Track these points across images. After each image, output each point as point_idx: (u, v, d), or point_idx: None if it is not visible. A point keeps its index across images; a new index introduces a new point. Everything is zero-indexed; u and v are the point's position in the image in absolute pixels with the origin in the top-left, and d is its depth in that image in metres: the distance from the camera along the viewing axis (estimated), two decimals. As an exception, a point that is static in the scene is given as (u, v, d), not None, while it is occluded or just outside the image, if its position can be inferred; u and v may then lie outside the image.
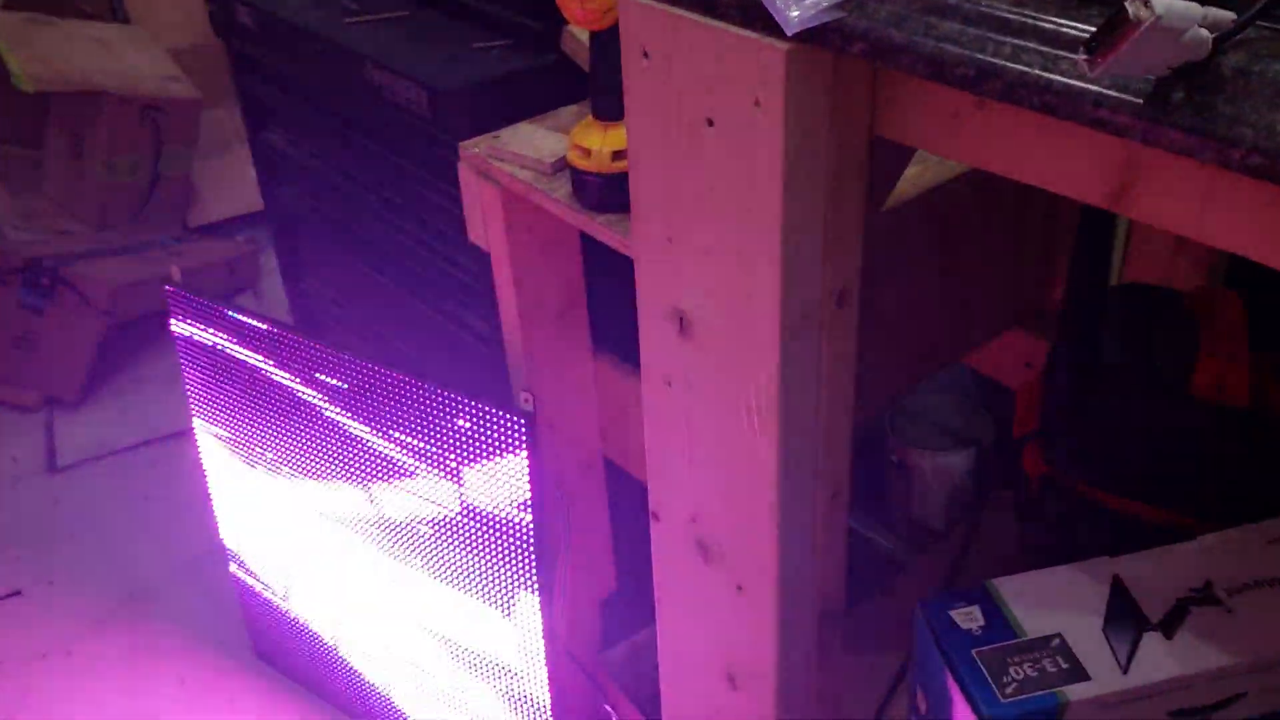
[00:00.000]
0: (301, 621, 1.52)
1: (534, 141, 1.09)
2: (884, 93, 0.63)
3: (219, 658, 1.66)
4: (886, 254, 0.93)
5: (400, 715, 1.48)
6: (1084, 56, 0.45)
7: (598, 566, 1.38)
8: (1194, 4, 0.44)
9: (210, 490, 1.52)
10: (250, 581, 1.56)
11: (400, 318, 1.46)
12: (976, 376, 1.48)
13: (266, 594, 1.55)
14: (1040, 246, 1.17)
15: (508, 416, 1.13)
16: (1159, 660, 0.72)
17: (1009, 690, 0.71)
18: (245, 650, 1.65)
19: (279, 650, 1.60)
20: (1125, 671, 0.72)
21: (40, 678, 1.65)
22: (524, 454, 1.14)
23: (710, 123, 0.65)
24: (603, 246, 1.17)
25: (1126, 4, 0.43)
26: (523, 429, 1.13)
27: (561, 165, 1.06)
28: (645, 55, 0.67)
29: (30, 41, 2.34)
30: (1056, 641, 0.74)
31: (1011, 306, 1.19)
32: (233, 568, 1.57)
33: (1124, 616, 0.75)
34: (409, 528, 1.28)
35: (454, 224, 1.26)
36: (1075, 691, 0.71)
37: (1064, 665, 0.72)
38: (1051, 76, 0.50)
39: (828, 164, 0.64)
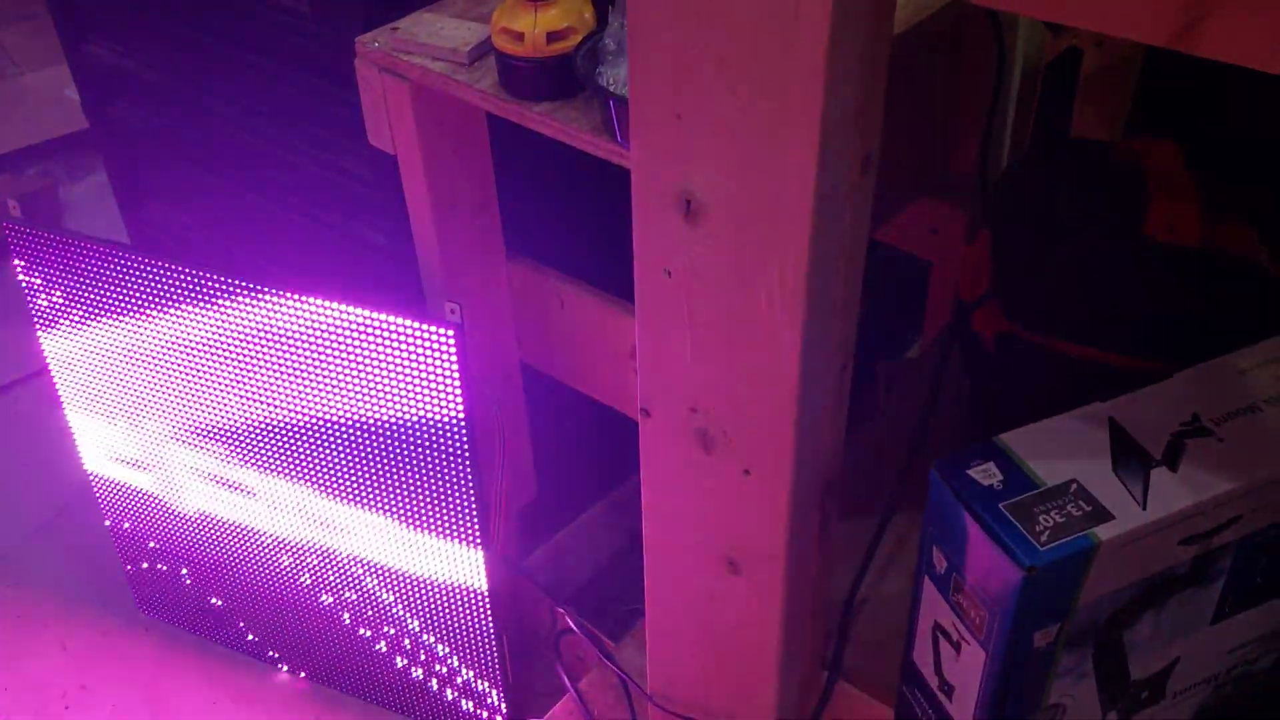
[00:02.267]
0: (201, 564, 1.43)
1: (442, 30, 1.02)
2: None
3: (100, 616, 1.55)
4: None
5: (323, 650, 1.42)
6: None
7: (519, 474, 1.35)
8: None
9: (81, 454, 1.40)
10: (136, 530, 1.45)
11: (278, 237, 1.36)
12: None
13: (151, 543, 1.45)
14: (944, 115, 1.18)
15: (436, 330, 1.08)
16: (1171, 492, 0.75)
17: (1044, 538, 0.73)
18: (128, 604, 1.54)
19: (166, 600, 1.51)
20: (1144, 507, 0.74)
21: (-101, 666, 1.51)
22: (455, 366, 1.09)
23: (739, -17, 0.61)
24: (509, 142, 1.12)
25: None
26: (451, 341, 1.08)
27: (479, 54, 1.00)
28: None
29: None
30: (1075, 487, 0.76)
31: (922, 175, 1.20)
32: (109, 522, 1.46)
33: (1130, 456, 0.77)
34: (334, 456, 1.21)
35: (343, 128, 1.17)
36: (1104, 531, 0.73)
37: (1087, 508, 0.74)
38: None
39: (870, 11, 0.62)
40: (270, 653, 1.47)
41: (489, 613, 1.25)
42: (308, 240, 1.31)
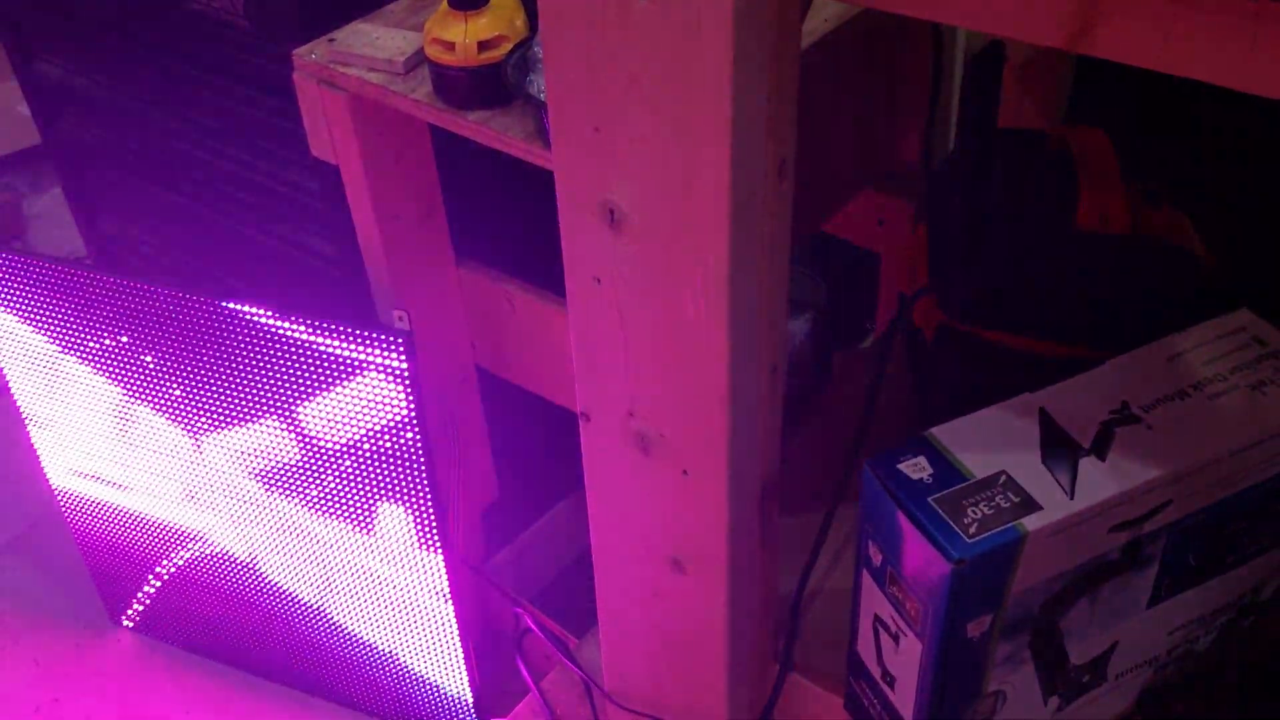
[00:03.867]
0: (168, 576, 1.44)
1: (377, 41, 1.02)
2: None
3: (73, 630, 1.55)
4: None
5: (293, 654, 1.43)
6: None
7: (480, 476, 1.36)
8: None
9: (40, 457, 1.41)
10: (103, 542, 1.46)
11: (228, 250, 1.36)
12: (806, 241, 1.50)
13: (125, 556, 1.46)
14: (888, 107, 1.19)
15: (386, 338, 1.08)
16: (1098, 481, 0.77)
17: (972, 530, 0.74)
18: (100, 618, 1.55)
19: (137, 611, 1.51)
20: (1072, 496, 0.76)
21: (-126, 687, 1.51)
22: (405, 374, 1.10)
23: (644, -1, 0.62)
24: (455, 149, 1.12)
25: None
26: (401, 349, 1.09)
27: (414, 63, 1.00)
28: (559, -68, 0.63)
29: None
30: (1003, 479, 0.77)
31: (866, 167, 1.21)
32: (76, 535, 1.46)
33: (1059, 445, 0.79)
34: (292, 464, 1.22)
35: (286, 140, 1.17)
36: (1031, 522, 0.74)
37: (1015, 500, 0.76)
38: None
39: (771, 24, 0.62)
40: (242, 658, 1.47)
41: (452, 615, 1.26)
42: (261, 252, 1.32)
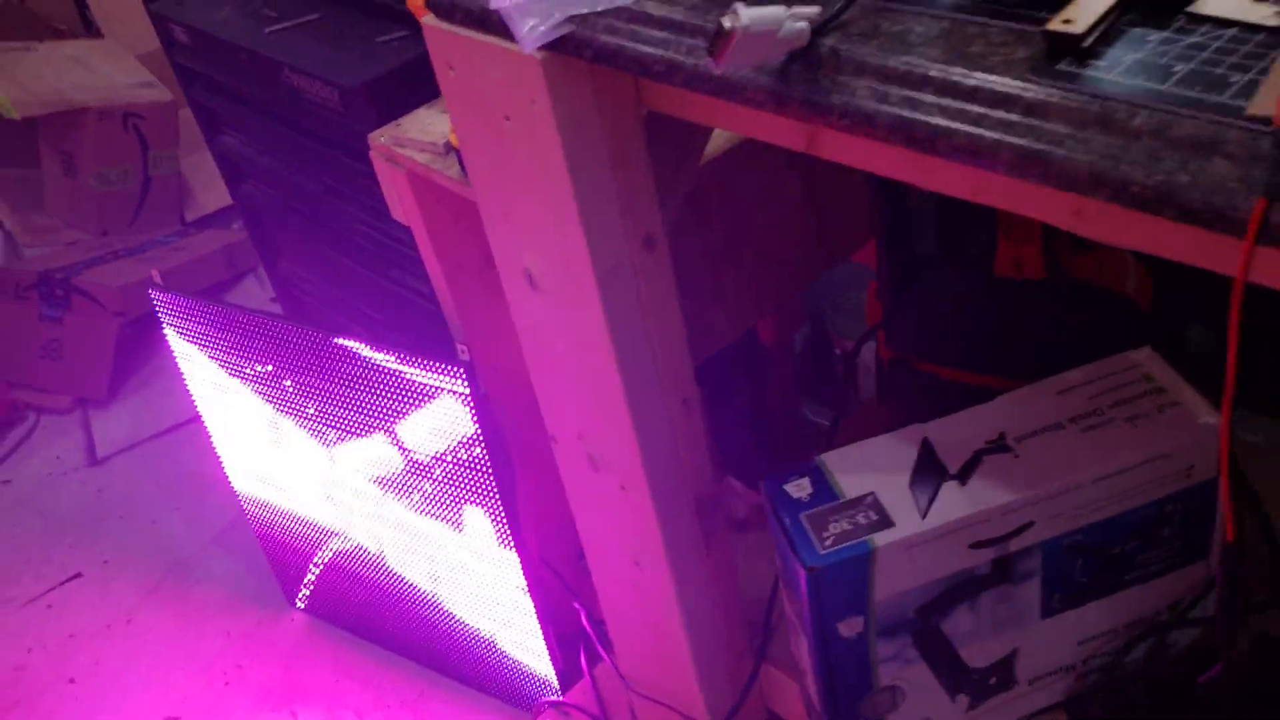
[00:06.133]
0: (323, 565, 1.71)
1: (428, 126, 1.23)
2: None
3: (257, 611, 1.85)
4: (726, 193, 1.07)
5: (414, 635, 1.66)
6: (707, 58, 0.59)
7: (553, 483, 1.54)
8: (778, 9, 0.58)
9: (224, 467, 1.71)
10: (275, 537, 1.75)
11: (361, 288, 1.62)
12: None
13: (291, 549, 1.74)
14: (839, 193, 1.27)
15: (450, 367, 1.29)
16: (953, 503, 0.87)
17: (828, 543, 0.87)
18: (279, 600, 1.84)
19: (307, 596, 1.79)
20: (924, 516, 0.87)
21: (110, 645, 1.86)
22: (468, 397, 1.30)
23: (507, 118, 0.79)
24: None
25: (722, 19, 0.57)
26: (463, 376, 1.29)
27: (451, 146, 1.20)
28: (451, 68, 0.81)
29: (10, 71, 2.49)
30: (870, 499, 0.89)
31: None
32: (257, 530, 1.76)
33: (928, 472, 0.90)
34: (391, 473, 1.45)
35: (384, 202, 1.41)
36: (882, 538, 0.86)
37: (874, 518, 0.87)
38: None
39: (605, 138, 0.78)
40: (381, 636, 1.73)
41: (531, 604, 1.46)
42: (381, 290, 1.56)
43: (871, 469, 0.91)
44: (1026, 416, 0.92)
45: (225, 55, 1.52)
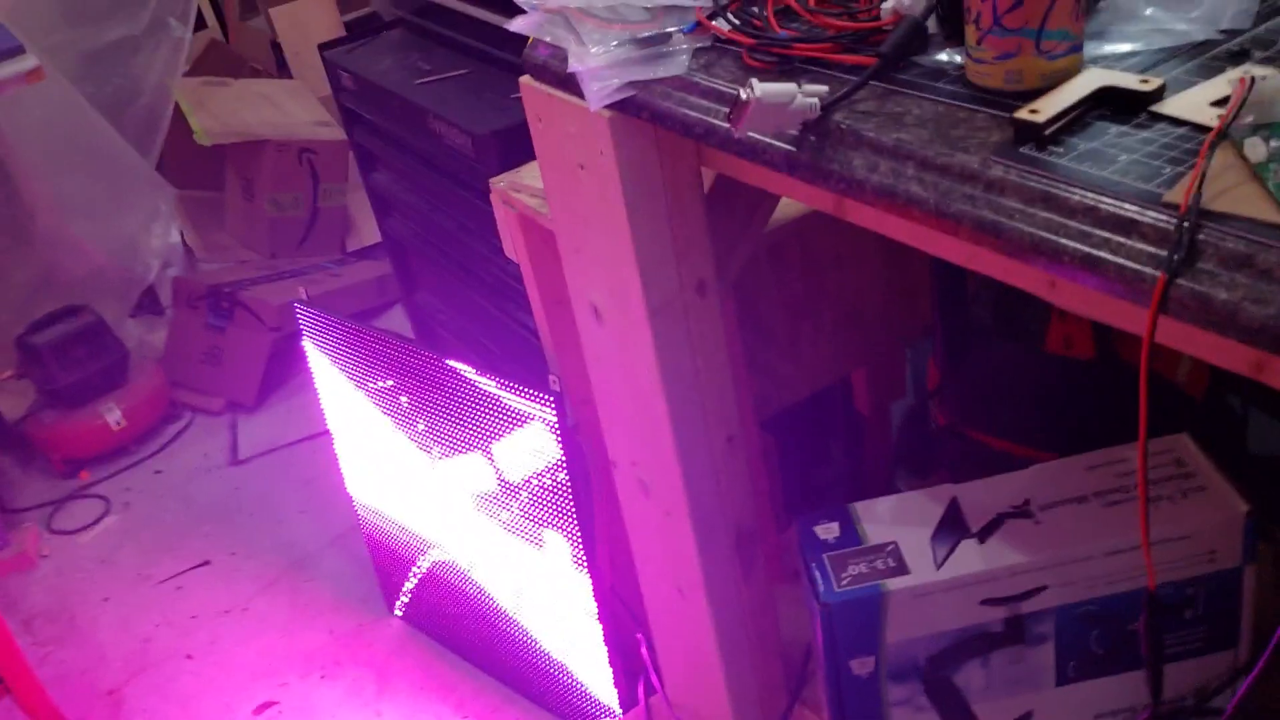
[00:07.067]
0: (420, 575, 1.83)
1: (539, 175, 1.35)
2: (700, 139, 0.86)
3: (360, 613, 1.98)
4: (806, 253, 1.15)
5: (495, 650, 1.76)
6: (727, 124, 0.67)
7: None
8: (790, 85, 0.66)
9: (344, 474, 1.84)
10: (382, 545, 1.88)
11: (481, 319, 1.74)
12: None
13: (395, 557, 1.86)
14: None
15: (541, 396, 1.39)
16: (968, 559, 0.92)
17: (844, 583, 0.92)
18: (380, 607, 1.96)
19: (405, 604, 1.91)
20: (939, 568, 0.92)
21: (226, 628, 2.01)
22: (555, 426, 1.40)
23: (581, 166, 0.89)
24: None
25: (740, 90, 0.65)
26: (552, 405, 1.39)
27: (561, 191, 1.31)
28: (539, 120, 0.92)
29: (206, 102, 2.75)
30: (891, 547, 0.95)
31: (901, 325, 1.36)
32: (366, 537, 1.89)
33: (950, 527, 0.95)
34: (485, 491, 1.56)
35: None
36: (895, 583, 0.92)
37: (892, 564, 0.93)
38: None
39: (664, 190, 0.88)
40: (467, 650, 1.83)
41: (599, 629, 1.53)
42: (495, 322, 1.68)
43: (897, 520, 0.97)
44: (1053, 487, 0.97)
45: (382, 100, 1.68)
